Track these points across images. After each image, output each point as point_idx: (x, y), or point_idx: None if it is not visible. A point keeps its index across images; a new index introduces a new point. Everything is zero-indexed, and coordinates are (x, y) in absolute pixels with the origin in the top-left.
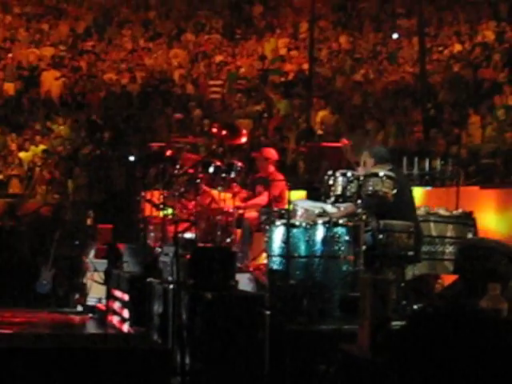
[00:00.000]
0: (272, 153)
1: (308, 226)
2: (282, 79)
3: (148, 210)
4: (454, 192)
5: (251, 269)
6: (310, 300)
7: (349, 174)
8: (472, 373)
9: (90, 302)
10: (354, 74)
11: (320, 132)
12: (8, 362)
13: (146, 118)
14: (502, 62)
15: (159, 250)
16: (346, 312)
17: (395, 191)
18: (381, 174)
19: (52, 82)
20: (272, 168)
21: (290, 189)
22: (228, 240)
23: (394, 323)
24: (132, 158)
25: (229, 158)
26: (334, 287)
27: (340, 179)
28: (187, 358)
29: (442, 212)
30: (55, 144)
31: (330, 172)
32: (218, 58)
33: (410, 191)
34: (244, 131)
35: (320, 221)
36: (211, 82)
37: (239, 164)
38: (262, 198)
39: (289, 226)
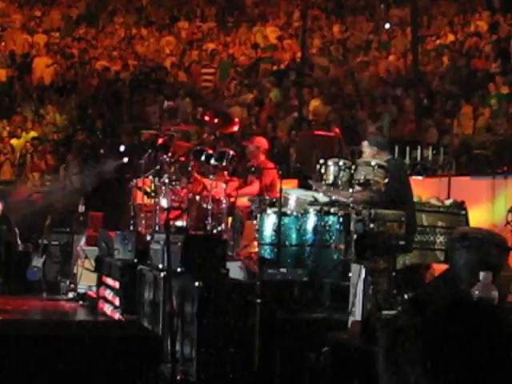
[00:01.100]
0: (262, 142)
1: (299, 215)
2: (275, 68)
3: (139, 197)
4: (445, 182)
5: (242, 257)
6: (301, 288)
7: (341, 162)
8: (466, 360)
9: (81, 289)
10: (346, 64)
11: (312, 121)
12: None
13: (138, 106)
14: (495, 52)
15: (150, 237)
16: (336, 300)
17: (387, 180)
18: (373, 163)
19: (44, 68)
20: (263, 157)
21: (282, 177)
22: (219, 228)
23: (384, 312)
24: (122, 149)
25: (220, 147)
26: (324, 276)
27: (332, 168)
28: (178, 345)
29: (434, 202)
30: (47, 131)
31: (321, 161)
32: (210, 46)
33: (407, 181)
34: (236, 119)
35: (311, 210)
36: (203, 70)
37: (231, 152)
38: (254, 187)
39: (280, 215)
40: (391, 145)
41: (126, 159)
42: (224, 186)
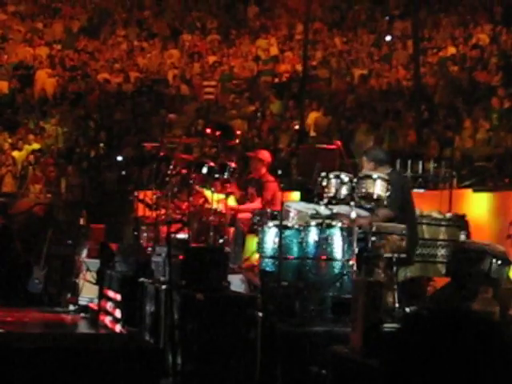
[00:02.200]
0: (266, 155)
1: (301, 228)
2: (276, 80)
3: (141, 210)
4: (446, 195)
5: (243, 270)
6: (302, 301)
7: (342, 175)
8: (466, 375)
9: (82, 301)
10: (347, 76)
11: (313, 133)
12: None
13: (140, 118)
14: (497, 65)
15: (152, 250)
16: (338, 314)
17: (388, 194)
18: (374, 176)
19: (46, 80)
20: (264, 170)
21: (283, 190)
22: (221, 241)
23: (385, 325)
24: (120, 158)
25: (222, 159)
26: (326, 289)
27: (333, 181)
28: (179, 358)
29: (435, 214)
30: (49, 143)
31: (323, 174)
32: (212, 59)
33: (409, 193)
34: (237, 132)
35: (313, 222)
36: (205, 83)
37: (232, 165)
38: (256, 203)
39: (281, 228)
40: (392, 158)
41: (123, 172)
42: (225, 198)
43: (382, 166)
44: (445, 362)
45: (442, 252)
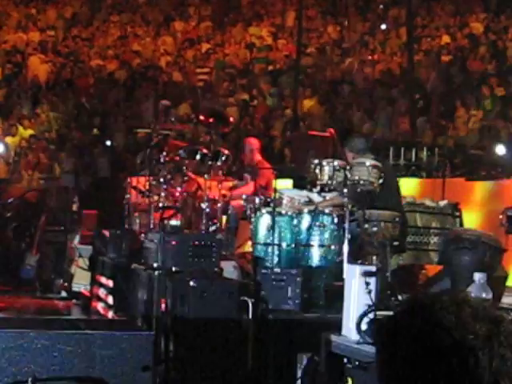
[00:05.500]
0: (253, 142)
1: (294, 215)
2: (270, 68)
3: (134, 196)
4: (440, 183)
5: (236, 257)
6: (295, 288)
7: (335, 163)
8: (462, 362)
9: (75, 287)
10: (341, 64)
11: (307, 121)
12: None
13: (133, 104)
14: (490, 53)
15: (144, 236)
16: (330, 301)
17: (381, 181)
18: (367, 163)
19: (39, 66)
20: (259, 156)
21: (277, 177)
22: (213, 227)
23: (378, 312)
24: (109, 143)
25: (215, 146)
26: (318, 276)
27: (326, 168)
28: (171, 344)
29: (428, 203)
30: (42, 129)
31: (316, 161)
32: (206, 46)
33: (396, 181)
34: (231, 119)
35: (306, 209)
36: (198, 70)
37: (226, 152)
38: (249, 187)
39: (274, 214)
40: (385, 146)
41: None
42: (218, 185)
43: (362, 155)
44: (442, 347)
45: (434, 240)
